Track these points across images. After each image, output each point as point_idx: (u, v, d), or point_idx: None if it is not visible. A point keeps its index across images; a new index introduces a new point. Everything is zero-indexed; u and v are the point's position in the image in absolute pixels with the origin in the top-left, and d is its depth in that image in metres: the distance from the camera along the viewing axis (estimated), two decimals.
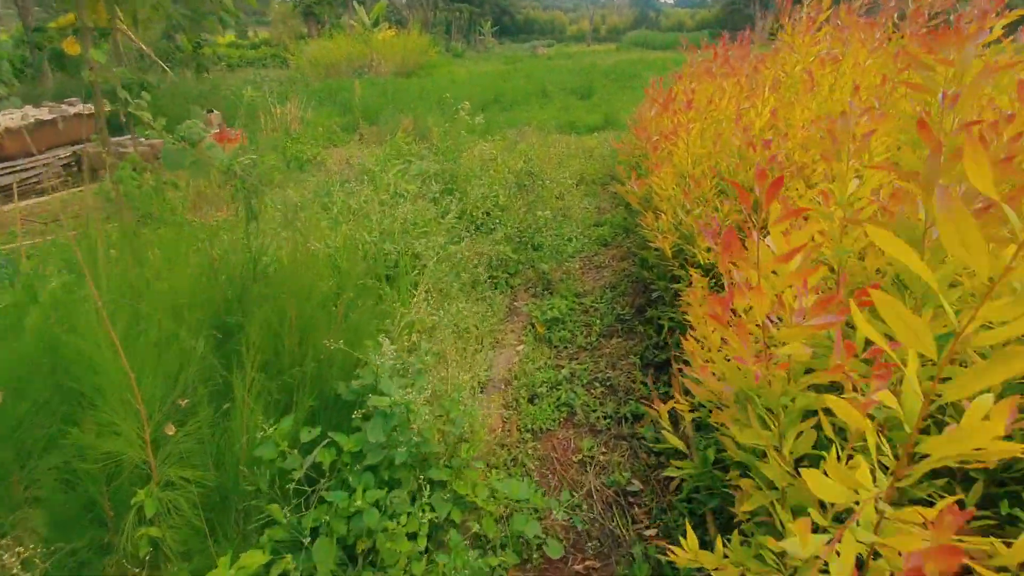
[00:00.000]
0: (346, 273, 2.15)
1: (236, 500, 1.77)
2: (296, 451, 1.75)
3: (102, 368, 1.62)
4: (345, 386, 1.96)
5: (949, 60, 1.41)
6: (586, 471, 2.51)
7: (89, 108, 8.58)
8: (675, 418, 2.73)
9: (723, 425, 1.47)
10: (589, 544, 2.15)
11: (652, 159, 3.49)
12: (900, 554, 0.80)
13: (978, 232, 0.69)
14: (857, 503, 0.86)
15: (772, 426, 1.27)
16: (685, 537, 1.29)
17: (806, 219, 1.49)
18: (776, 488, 1.30)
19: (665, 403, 2.10)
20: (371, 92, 14.21)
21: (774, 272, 1.17)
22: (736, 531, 1.36)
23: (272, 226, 3.52)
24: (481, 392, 2.90)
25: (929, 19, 2.98)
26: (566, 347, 3.47)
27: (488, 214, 4.69)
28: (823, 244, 1.54)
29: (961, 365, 1.28)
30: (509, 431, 2.76)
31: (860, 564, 0.92)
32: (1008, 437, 0.87)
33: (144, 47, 12.13)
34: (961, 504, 1.19)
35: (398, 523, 1.73)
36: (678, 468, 2.03)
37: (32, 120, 7.68)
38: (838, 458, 1.04)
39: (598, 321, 3.68)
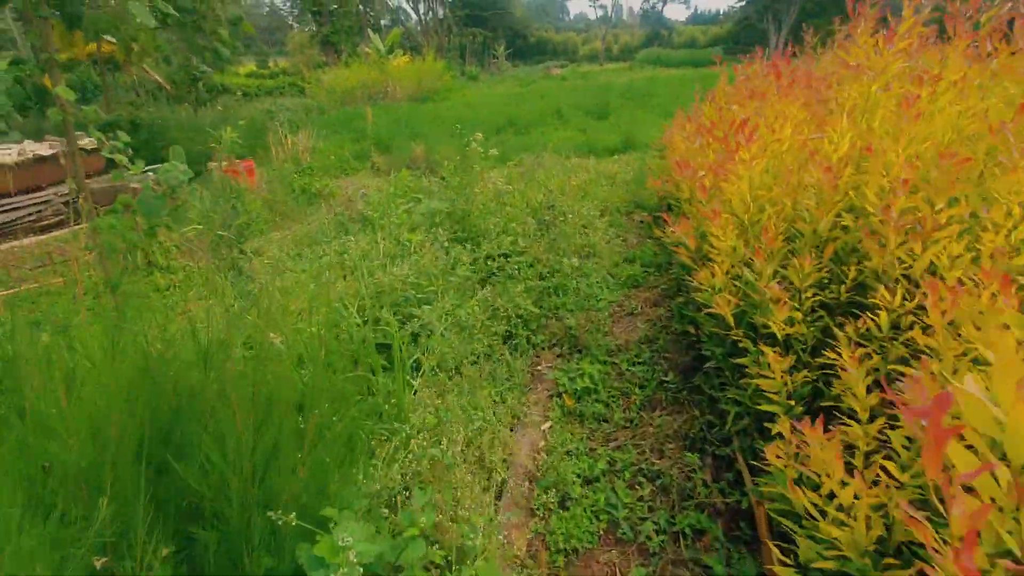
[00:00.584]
0: (318, 378, 1.61)
1: None
2: None
3: None
4: (307, 552, 1.38)
5: None
6: None
7: (93, 142, 8.30)
8: (746, 514, 2.10)
9: None
10: None
11: (698, 198, 2.90)
12: None
13: None
14: None
15: None
16: None
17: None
18: None
19: (734, 514, 1.49)
20: (385, 119, 13.88)
21: None
22: None
23: (253, 287, 3.00)
24: (498, 499, 2.30)
25: None
26: (601, 424, 2.85)
27: (506, 256, 4.13)
28: None
29: None
30: (535, 552, 2.15)
31: None
32: None
33: (161, 80, 11.92)
34: None
35: None
36: None
37: (31, 155, 7.37)
38: None
39: (637, 389, 3.06)
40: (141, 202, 3.38)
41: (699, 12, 62.20)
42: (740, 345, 2.37)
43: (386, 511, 1.67)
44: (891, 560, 1.31)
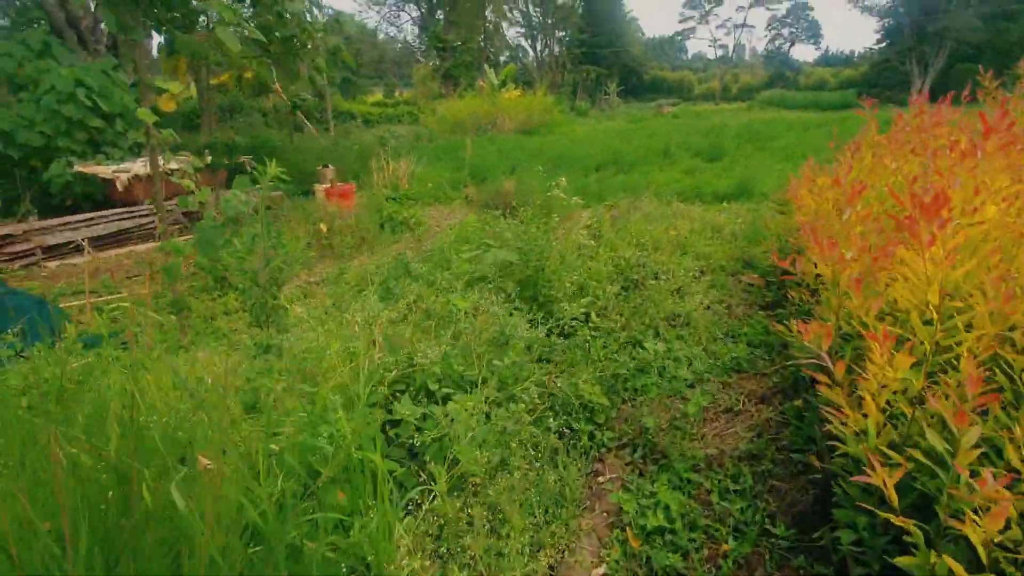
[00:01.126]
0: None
1: None
2: None
3: None
4: None
5: None
6: None
7: (204, 161, 8.84)
8: None
9: None
10: None
11: (843, 288, 2.07)
12: None
13: None
14: None
15: None
16: None
17: None
18: None
19: None
20: (488, 150, 13.81)
21: None
22: None
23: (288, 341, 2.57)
24: None
25: None
26: None
27: (584, 319, 3.45)
28: None
29: None
30: None
31: None
32: None
33: (289, 103, 12.62)
34: None
35: None
36: None
37: (162, 169, 7.90)
38: None
39: (730, 539, 2.22)
40: (199, 229, 3.16)
41: (830, 53, 57.69)
42: (904, 538, 1.50)
43: None
44: None
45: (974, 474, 1.34)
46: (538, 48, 42.64)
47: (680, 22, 55.85)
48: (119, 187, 7.36)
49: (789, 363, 3.25)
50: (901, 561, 1.47)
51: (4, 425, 1.54)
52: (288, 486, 1.43)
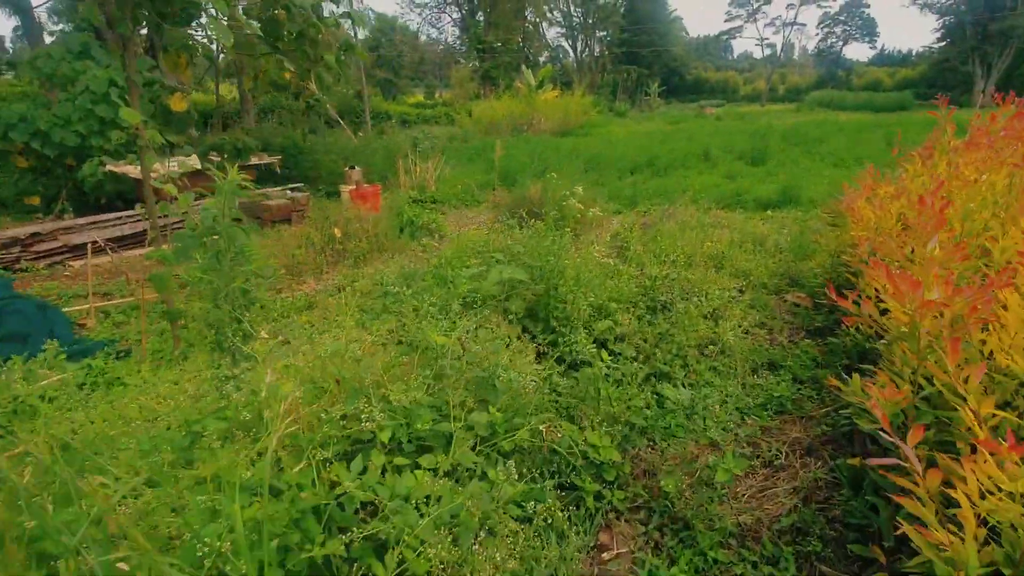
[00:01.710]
0: None
1: None
2: None
3: None
4: None
5: None
6: None
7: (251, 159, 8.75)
8: None
9: None
10: None
11: (926, 341, 1.55)
12: None
13: None
14: None
15: None
16: None
17: None
18: None
19: None
20: (521, 151, 13.38)
21: None
22: None
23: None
24: None
25: None
26: None
27: (604, 345, 2.99)
28: None
29: None
30: None
31: None
32: None
33: (331, 106, 12.63)
34: None
35: None
36: None
37: (189, 169, 7.83)
38: None
39: None
40: (178, 239, 2.88)
41: (885, 52, 54.31)
42: None
43: None
44: None
45: None
46: (578, 48, 41.91)
47: (726, 21, 53.77)
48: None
49: (843, 412, 2.70)
50: None
51: None
52: None
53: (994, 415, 1.40)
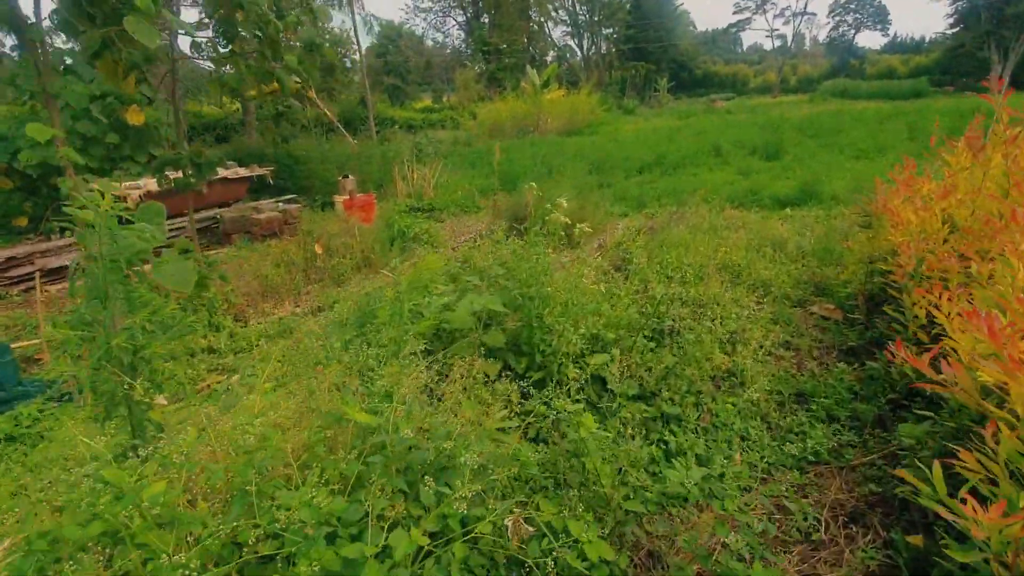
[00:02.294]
0: None
1: None
2: None
3: None
4: None
5: None
6: None
7: (236, 172, 8.37)
8: None
9: None
10: None
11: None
12: None
13: None
14: None
15: None
16: None
17: None
18: None
19: None
20: (524, 153, 12.85)
21: None
22: None
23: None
24: None
25: None
26: None
27: (599, 382, 2.48)
28: None
29: None
30: None
31: None
32: None
33: (331, 114, 12.28)
34: None
35: None
36: None
37: (217, 175, 7.43)
38: None
39: None
40: (157, 269, 2.42)
41: (898, 39, 52.40)
42: None
43: None
44: None
45: None
46: (585, 46, 41.23)
47: (735, 13, 52.51)
48: (131, 204, 6.97)
49: (893, 462, 2.13)
50: None
51: None
52: None
53: None
